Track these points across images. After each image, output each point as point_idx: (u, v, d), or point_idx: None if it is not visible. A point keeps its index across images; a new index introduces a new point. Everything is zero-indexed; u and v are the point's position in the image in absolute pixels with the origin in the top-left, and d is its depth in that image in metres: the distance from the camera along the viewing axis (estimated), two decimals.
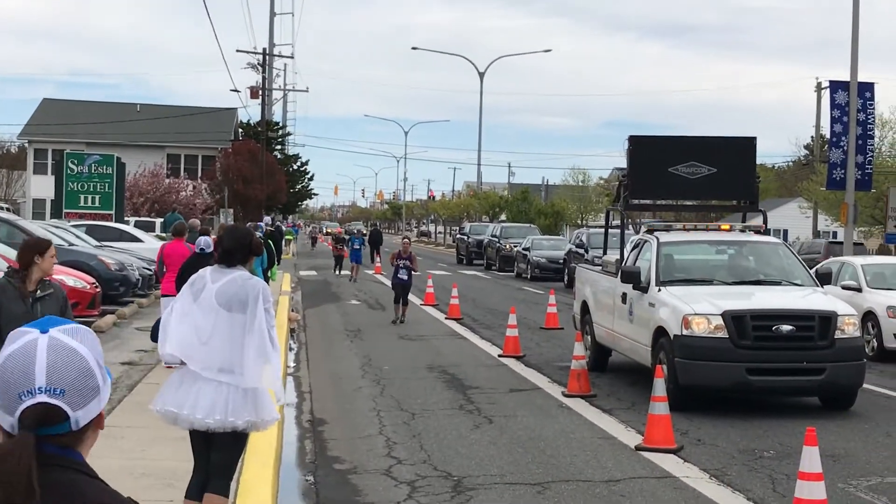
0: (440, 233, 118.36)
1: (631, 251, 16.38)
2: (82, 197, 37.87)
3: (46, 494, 2.05)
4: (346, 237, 45.58)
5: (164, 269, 15.36)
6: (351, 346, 20.20)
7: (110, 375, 2.29)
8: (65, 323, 2.22)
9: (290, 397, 14.17)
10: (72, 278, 19.93)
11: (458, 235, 66.05)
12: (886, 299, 19.55)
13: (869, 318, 19.20)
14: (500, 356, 18.73)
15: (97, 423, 2.22)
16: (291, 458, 10.79)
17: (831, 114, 35.51)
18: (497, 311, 27.18)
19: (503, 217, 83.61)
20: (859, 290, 20.00)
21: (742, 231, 16.33)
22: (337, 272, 43.13)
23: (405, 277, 24.02)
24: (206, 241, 12.92)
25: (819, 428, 8.43)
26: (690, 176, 16.63)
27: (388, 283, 28.82)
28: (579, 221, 79.01)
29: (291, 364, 17.42)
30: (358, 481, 9.83)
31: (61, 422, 2.13)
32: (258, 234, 28.85)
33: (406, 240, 25.53)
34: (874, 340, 19.10)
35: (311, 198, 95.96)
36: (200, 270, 6.97)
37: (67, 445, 2.16)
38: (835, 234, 74.08)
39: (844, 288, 19.74)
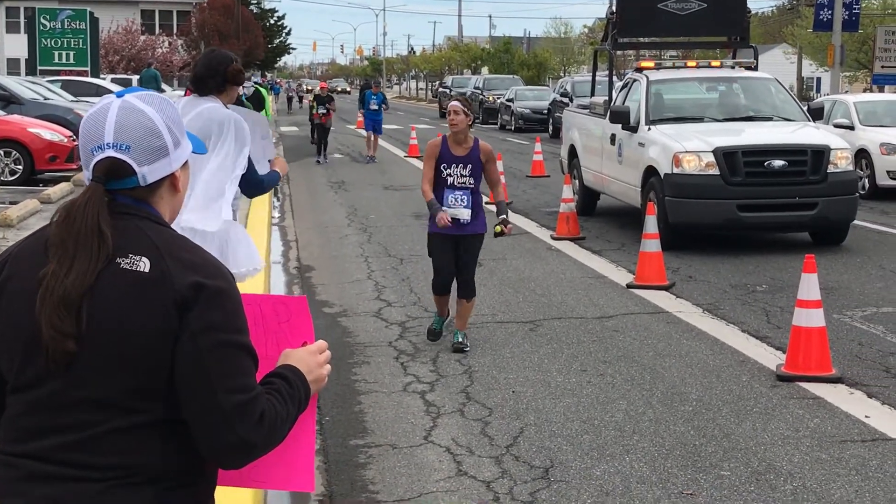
0: (421, 88, 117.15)
1: (620, 91, 16.03)
2: (56, 53, 37.19)
3: (116, 235, 2.27)
4: (330, 95, 29.78)
5: None
6: (335, 198, 19.96)
7: (196, 141, 2.46)
8: (143, 90, 2.39)
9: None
10: (48, 132, 19.56)
11: (440, 89, 65.22)
12: (879, 136, 19.26)
13: (862, 155, 18.93)
14: (486, 203, 18.47)
15: (172, 183, 2.39)
16: None
17: None
18: None
19: (485, 70, 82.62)
20: (852, 127, 19.66)
21: (732, 67, 15.97)
22: (322, 159, 27.83)
23: (465, 215, 9.20)
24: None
25: None
26: (680, 12, 16.17)
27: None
28: (562, 73, 78.13)
29: (276, 215, 17.21)
30: (349, 323, 9.70)
31: (128, 176, 2.31)
32: (249, 86, 28.02)
33: (457, 108, 8.78)
34: (866, 179, 18.91)
35: (289, 53, 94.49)
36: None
37: (141, 199, 2.35)
38: (819, 80, 73.52)
39: (837, 126, 19.39)
